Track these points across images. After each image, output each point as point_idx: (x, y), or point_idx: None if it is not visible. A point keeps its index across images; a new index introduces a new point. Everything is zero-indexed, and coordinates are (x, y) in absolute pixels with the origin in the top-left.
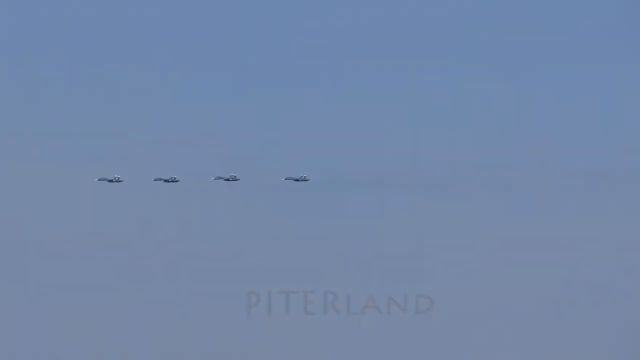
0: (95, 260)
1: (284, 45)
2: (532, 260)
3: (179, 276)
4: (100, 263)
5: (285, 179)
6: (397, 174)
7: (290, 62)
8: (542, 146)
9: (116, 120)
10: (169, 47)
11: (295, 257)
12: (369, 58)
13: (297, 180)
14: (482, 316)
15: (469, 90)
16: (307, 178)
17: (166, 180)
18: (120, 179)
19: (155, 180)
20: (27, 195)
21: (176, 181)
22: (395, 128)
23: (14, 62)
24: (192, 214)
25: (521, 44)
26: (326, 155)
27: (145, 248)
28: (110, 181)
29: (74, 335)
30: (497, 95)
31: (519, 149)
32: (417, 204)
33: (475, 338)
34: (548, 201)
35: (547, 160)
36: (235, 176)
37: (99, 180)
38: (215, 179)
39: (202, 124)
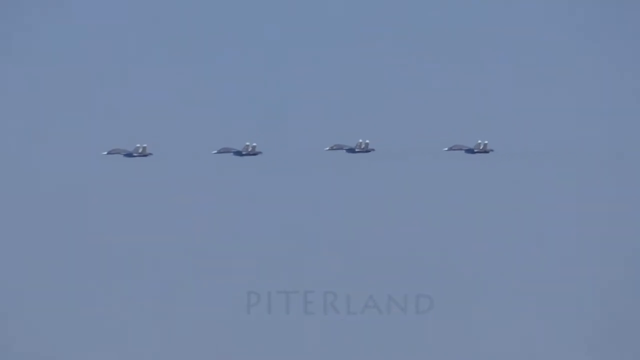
0: (91, 259)
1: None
2: (532, 260)
3: (179, 276)
4: (97, 261)
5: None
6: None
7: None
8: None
9: None
10: None
11: (295, 257)
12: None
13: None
14: (482, 316)
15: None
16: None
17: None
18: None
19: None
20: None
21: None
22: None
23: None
24: (190, 214)
25: None
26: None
27: (144, 247)
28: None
29: (72, 334)
30: None
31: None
32: (415, 202)
33: (475, 338)
34: (546, 197)
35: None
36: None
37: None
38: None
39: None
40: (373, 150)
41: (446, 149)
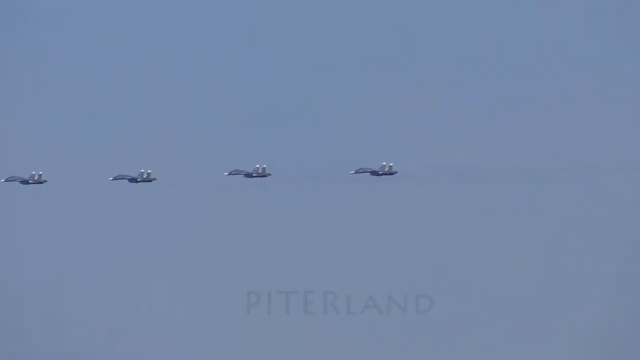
0: (92, 261)
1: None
2: (532, 260)
3: (179, 276)
4: (97, 263)
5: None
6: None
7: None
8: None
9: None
10: None
11: (295, 257)
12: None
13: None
14: (482, 316)
15: None
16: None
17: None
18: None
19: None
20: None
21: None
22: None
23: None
24: (191, 214)
25: None
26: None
27: (143, 249)
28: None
29: (73, 335)
30: None
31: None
32: (415, 203)
33: (474, 338)
34: (547, 202)
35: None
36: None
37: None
38: (230, 174)
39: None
40: (270, 175)
41: (352, 172)
